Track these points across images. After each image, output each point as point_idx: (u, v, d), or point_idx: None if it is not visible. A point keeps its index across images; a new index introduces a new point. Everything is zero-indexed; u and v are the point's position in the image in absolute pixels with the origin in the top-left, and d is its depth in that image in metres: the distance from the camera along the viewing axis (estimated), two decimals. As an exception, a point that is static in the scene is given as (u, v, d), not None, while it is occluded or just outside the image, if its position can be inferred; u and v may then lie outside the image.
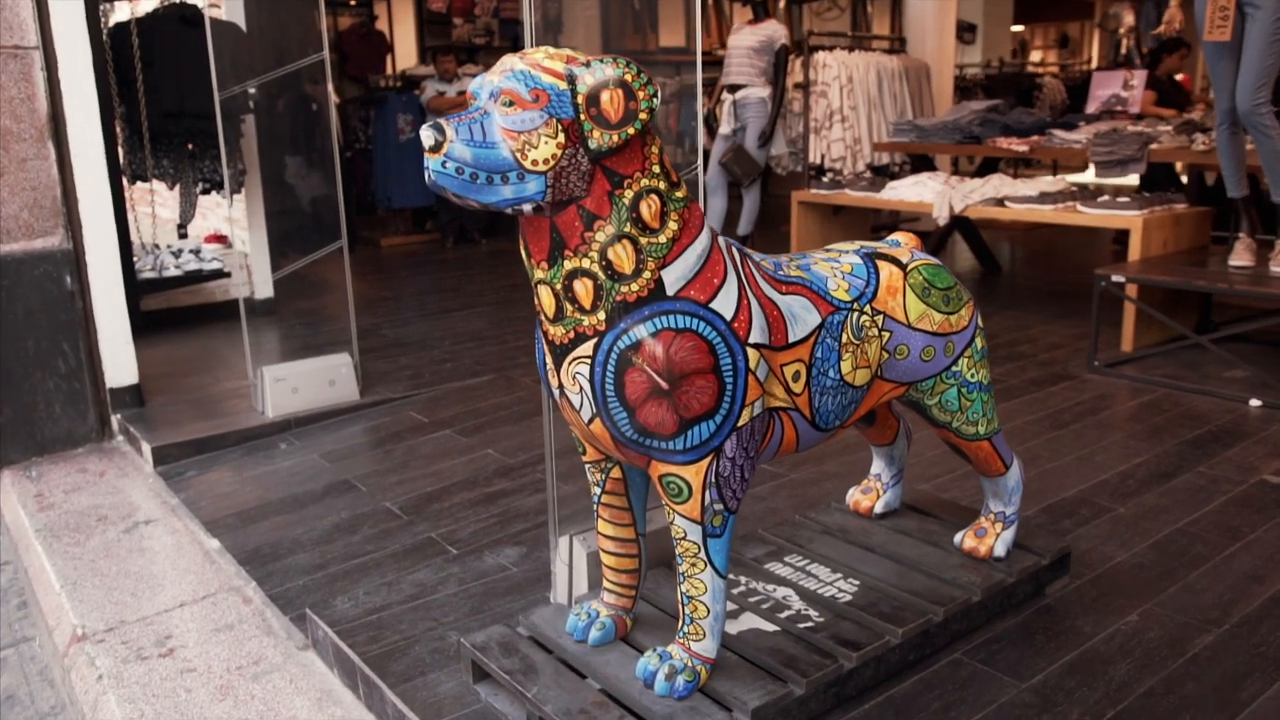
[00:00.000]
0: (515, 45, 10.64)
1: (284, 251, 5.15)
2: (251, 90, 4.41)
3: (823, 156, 6.42)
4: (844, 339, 1.75)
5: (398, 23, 10.05)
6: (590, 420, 1.58)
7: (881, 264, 1.88)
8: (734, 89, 6.16)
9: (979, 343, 1.98)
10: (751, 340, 1.57)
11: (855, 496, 2.41)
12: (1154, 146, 4.67)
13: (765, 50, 6.05)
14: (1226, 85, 3.76)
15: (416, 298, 6.00)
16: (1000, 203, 4.80)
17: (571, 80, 1.43)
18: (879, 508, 2.37)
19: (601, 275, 1.48)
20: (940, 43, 7.27)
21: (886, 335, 1.84)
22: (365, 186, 8.09)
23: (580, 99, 1.42)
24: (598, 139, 1.43)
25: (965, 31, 9.50)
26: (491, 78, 1.45)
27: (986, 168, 6.48)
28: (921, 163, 6.09)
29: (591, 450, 1.76)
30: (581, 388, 1.55)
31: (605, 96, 1.42)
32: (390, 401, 3.88)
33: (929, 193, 5.09)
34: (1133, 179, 5.08)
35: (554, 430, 2.23)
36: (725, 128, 6.21)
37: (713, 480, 1.59)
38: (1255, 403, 3.57)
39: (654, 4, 11.76)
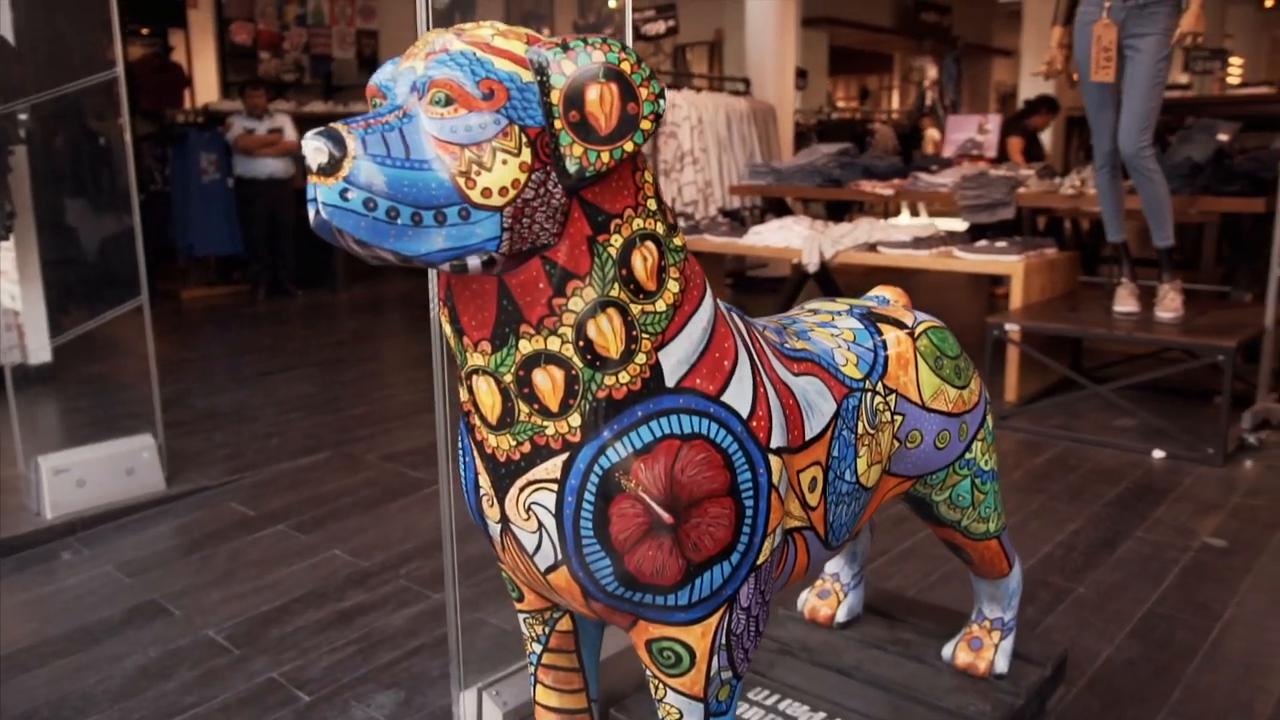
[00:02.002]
0: (328, 82, 9.93)
1: (66, 309, 4.34)
2: (22, 116, 3.66)
3: (674, 200, 6.11)
4: (860, 429, 1.34)
5: (197, 55, 9.17)
6: (551, 569, 1.09)
7: (885, 329, 1.49)
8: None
9: (990, 422, 1.62)
10: (773, 444, 1.14)
11: (811, 602, 2.00)
12: (1021, 190, 4.59)
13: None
14: (1108, 128, 3.66)
15: (228, 359, 5.26)
16: (872, 248, 4.60)
17: (541, 70, 0.97)
18: (842, 615, 1.97)
19: (577, 362, 1.01)
20: (781, 86, 7.15)
21: (899, 420, 1.44)
22: (162, 232, 7.20)
23: (555, 97, 0.96)
24: (579, 158, 0.97)
25: (798, 77, 9.54)
26: (413, 63, 0.97)
27: (835, 212, 6.35)
28: (774, 207, 5.89)
29: (533, 598, 1.27)
30: (541, 525, 1.07)
31: (593, 94, 0.96)
32: (205, 491, 3.21)
33: (796, 238, 4.84)
34: (960, 224, 5.01)
35: (454, 539, 1.72)
36: (572, 169, 5.80)
37: (723, 642, 1.13)
38: (1159, 454, 3.42)
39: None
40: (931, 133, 12.55)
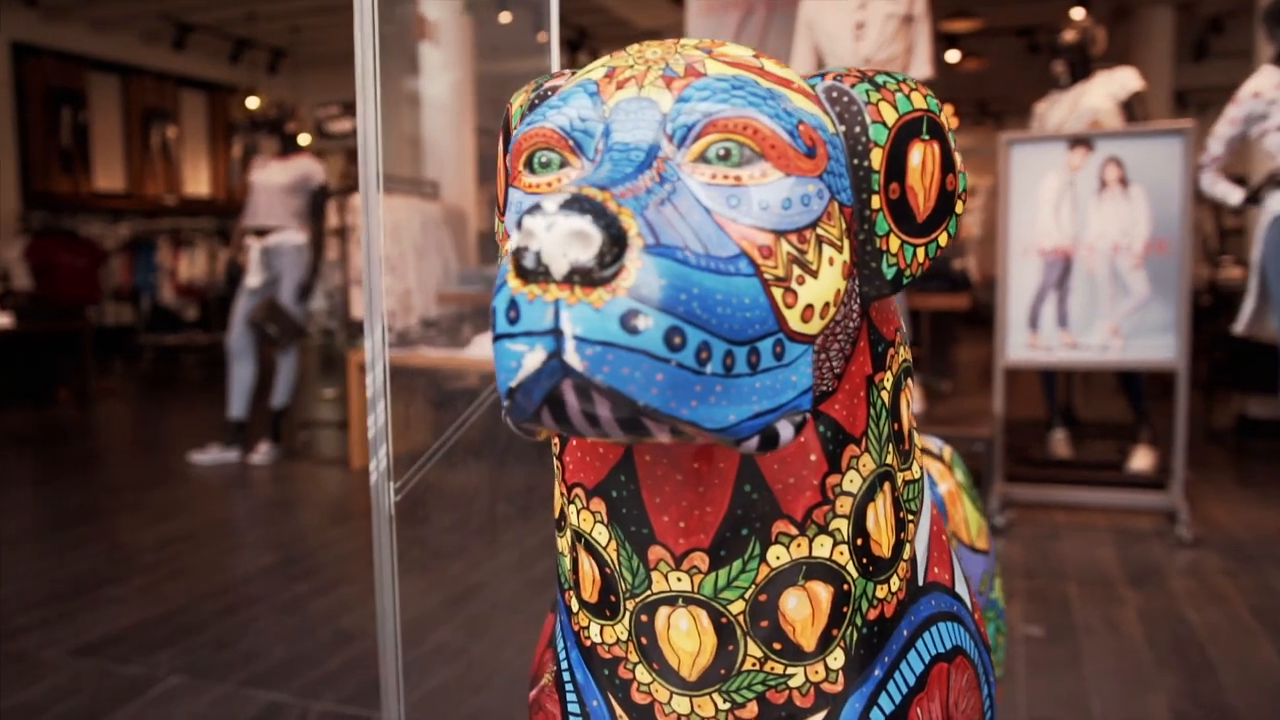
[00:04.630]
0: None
1: None
2: None
3: (370, 311, 5.61)
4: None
5: None
6: None
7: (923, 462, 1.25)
8: (262, 233, 5.16)
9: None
10: (987, 639, 0.85)
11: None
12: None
13: (300, 189, 5.17)
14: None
15: None
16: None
17: (850, 114, 0.63)
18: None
19: (852, 570, 0.66)
20: (463, 188, 6.92)
21: (957, 567, 1.21)
22: None
23: (877, 160, 0.63)
24: (896, 255, 0.64)
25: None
26: (648, 93, 0.60)
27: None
28: (483, 314, 5.61)
29: None
30: None
31: (916, 158, 0.64)
32: None
33: (525, 347, 4.56)
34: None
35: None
36: (254, 280, 5.15)
37: None
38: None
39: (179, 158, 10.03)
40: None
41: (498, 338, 0.51)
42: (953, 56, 10.23)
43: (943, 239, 0.68)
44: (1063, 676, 2.45)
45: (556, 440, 0.70)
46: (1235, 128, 3.44)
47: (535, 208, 0.49)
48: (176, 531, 3.93)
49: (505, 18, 8.97)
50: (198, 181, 11.71)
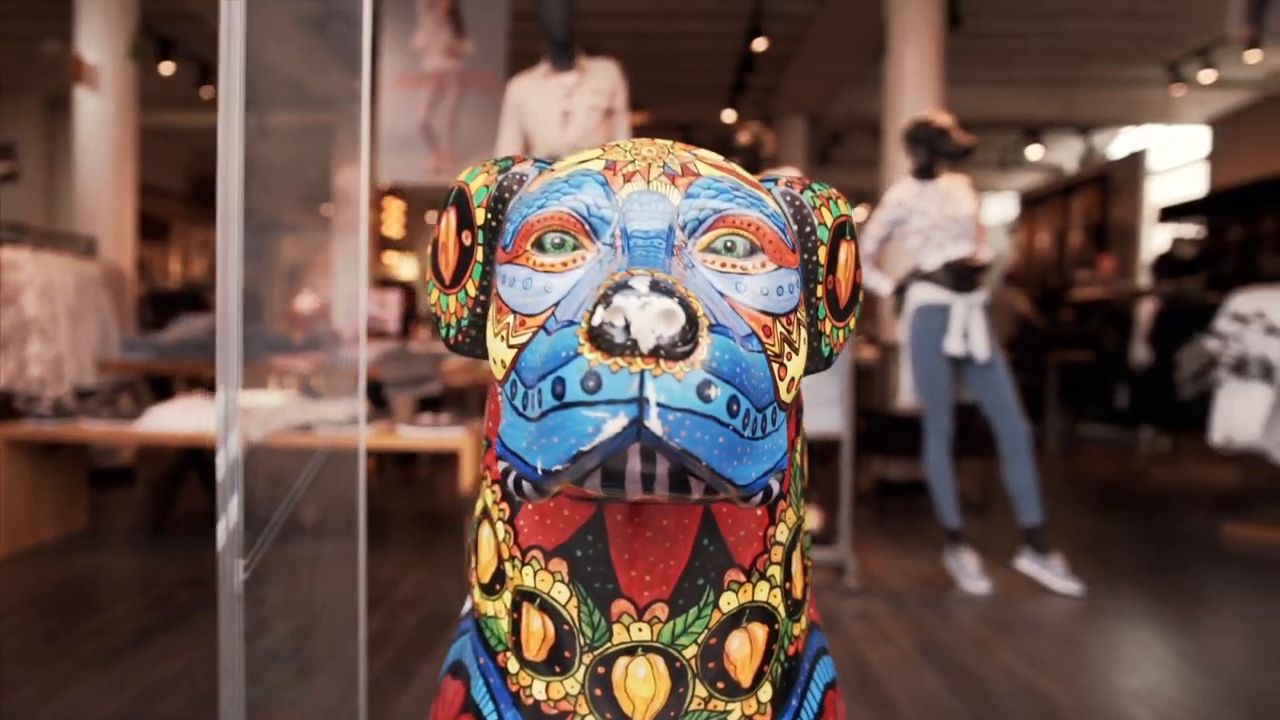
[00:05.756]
0: None
1: None
2: None
3: (14, 379, 4.95)
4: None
5: None
6: None
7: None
8: (-122, 289, 4.45)
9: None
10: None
11: None
12: (447, 367, 4.68)
13: (-70, 241, 4.53)
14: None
15: None
16: (309, 427, 4.24)
17: (801, 214, 0.74)
18: None
19: (782, 611, 0.75)
20: (122, 247, 6.35)
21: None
22: None
23: (822, 255, 0.74)
24: (828, 337, 0.76)
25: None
26: (656, 189, 0.67)
27: (162, 390, 5.50)
28: (159, 386, 5.15)
29: None
30: None
31: (843, 254, 0.77)
32: None
33: (209, 420, 4.25)
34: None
35: None
36: None
37: None
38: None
39: None
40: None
41: (568, 405, 0.55)
42: (623, 146, 10.93)
43: (852, 323, 0.80)
44: None
45: (506, 505, 0.73)
46: (883, 229, 4.00)
47: (625, 287, 0.55)
48: None
49: (168, 69, 8.43)
50: None
